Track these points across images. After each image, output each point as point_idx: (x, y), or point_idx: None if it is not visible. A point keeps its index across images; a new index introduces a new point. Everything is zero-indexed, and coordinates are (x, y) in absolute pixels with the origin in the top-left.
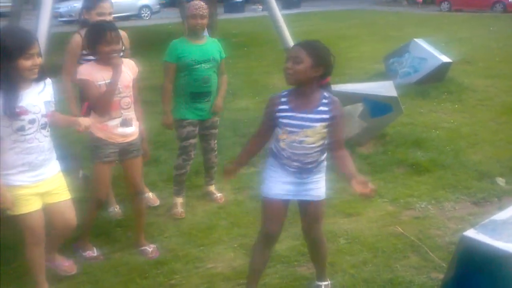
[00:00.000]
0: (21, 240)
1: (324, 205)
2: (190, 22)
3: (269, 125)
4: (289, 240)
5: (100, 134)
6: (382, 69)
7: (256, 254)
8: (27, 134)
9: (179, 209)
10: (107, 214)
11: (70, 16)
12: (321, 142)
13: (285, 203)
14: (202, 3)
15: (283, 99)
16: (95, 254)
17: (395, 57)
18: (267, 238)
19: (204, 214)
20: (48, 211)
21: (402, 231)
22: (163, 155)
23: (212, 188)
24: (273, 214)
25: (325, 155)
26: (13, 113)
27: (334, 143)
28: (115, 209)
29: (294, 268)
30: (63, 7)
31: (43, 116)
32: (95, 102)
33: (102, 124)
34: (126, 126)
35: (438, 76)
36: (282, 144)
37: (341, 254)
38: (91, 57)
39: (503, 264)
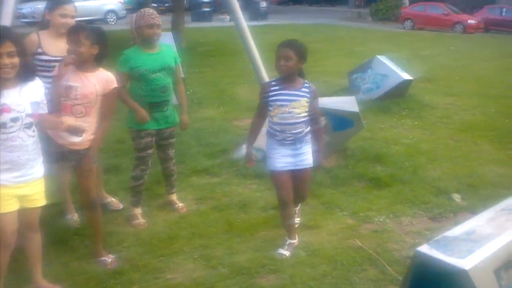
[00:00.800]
0: None
1: (312, 171)
2: (146, 32)
3: (265, 106)
4: (250, 252)
5: (57, 139)
6: (345, 84)
7: (284, 214)
8: (10, 132)
9: (140, 220)
10: (64, 221)
11: (33, 17)
12: (305, 114)
13: (288, 173)
14: (155, 11)
15: (273, 83)
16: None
17: (359, 73)
18: (285, 204)
19: (165, 224)
20: (20, 214)
21: (360, 244)
22: (124, 163)
23: (174, 197)
24: (283, 183)
25: (308, 129)
26: None
27: (313, 118)
28: (73, 217)
29: (254, 280)
30: (26, 8)
31: (27, 115)
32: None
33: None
34: (74, 135)
35: (399, 92)
36: (275, 119)
37: (301, 266)
38: (45, 57)
39: (454, 280)
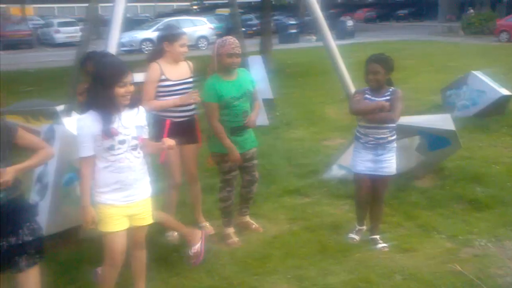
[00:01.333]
0: (85, 259)
1: (391, 179)
2: (226, 61)
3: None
4: (344, 274)
5: None
6: (439, 101)
7: (357, 211)
8: (118, 154)
9: (234, 239)
10: (164, 238)
11: (131, 45)
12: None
13: (367, 176)
14: (234, 39)
15: (366, 91)
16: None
17: (453, 89)
18: (359, 203)
19: (258, 243)
20: (128, 233)
21: (461, 269)
22: (218, 183)
23: (248, 218)
24: (360, 185)
25: (393, 137)
26: (108, 133)
27: (392, 113)
28: (173, 234)
29: None
30: (125, 37)
31: (133, 138)
32: None
33: None
34: None
35: (498, 109)
36: (361, 123)
37: None
38: (168, 83)
39: None
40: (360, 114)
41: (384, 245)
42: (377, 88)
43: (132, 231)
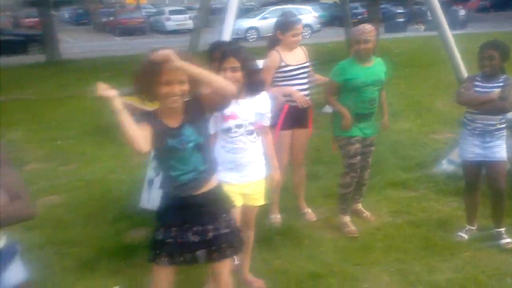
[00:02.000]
0: None
1: (506, 165)
2: (355, 47)
3: (468, 89)
4: (450, 273)
5: None
6: None
7: (465, 200)
8: (234, 137)
9: (351, 227)
10: (268, 221)
11: (237, 34)
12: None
13: (476, 163)
14: (368, 26)
15: (477, 78)
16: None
17: None
18: (468, 190)
19: (360, 234)
20: (240, 212)
21: None
22: (321, 170)
23: (360, 206)
24: (468, 172)
25: (503, 125)
26: (225, 116)
27: (504, 102)
28: (277, 217)
29: None
30: None
31: (250, 123)
32: None
33: None
34: None
35: None
36: (469, 109)
37: None
38: (289, 67)
39: None
40: (466, 105)
41: (509, 240)
42: (490, 75)
43: (244, 210)
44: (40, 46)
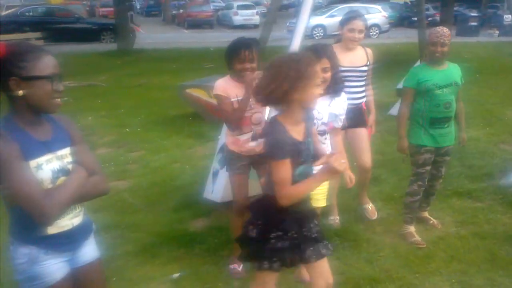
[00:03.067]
0: None
1: None
2: (430, 49)
3: None
4: None
5: (232, 147)
6: None
7: None
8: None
9: (418, 238)
10: (327, 221)
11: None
12: None
13: None
14: (445, 30)
15: None
16: (239, 269)
17: None
18: None
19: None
20: None
21: None
22: (383, 174)
23: (427, 214)
24: None
25: None
26: None
27: None
28: (335, 219)
29: None
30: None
31: (323, 123)
32: (227, 117)
33: (234, 138)
34: (255, 140)
35: None
36: None
37: None
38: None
39: None
40: None
41: None
42: None
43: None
44: (112, 35)
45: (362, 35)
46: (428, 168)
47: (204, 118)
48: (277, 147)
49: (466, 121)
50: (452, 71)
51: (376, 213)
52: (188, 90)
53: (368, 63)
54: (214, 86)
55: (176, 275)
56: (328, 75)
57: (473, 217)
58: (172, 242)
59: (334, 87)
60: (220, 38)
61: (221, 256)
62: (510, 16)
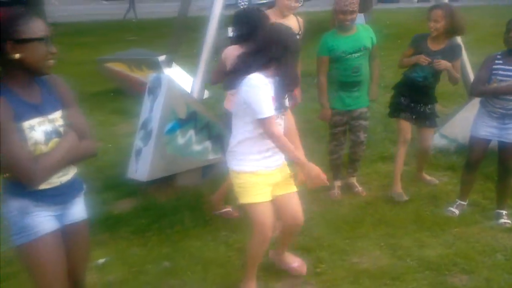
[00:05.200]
0: (183, 205)
1: None
2: (339, 17)
3: (486, 76)
4: (441, 248)
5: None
6: None
7: (464, 176)
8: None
9: (336, 191)
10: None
11: (245, 3)
12: None
13: (487, 142)
14: None
15: (498, 56)
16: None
17: None
18: (469, 167)
19: (350, 207)
20: (276, 203)
21: None
22: (309, 142)
23: (354, 180)
24: (476, 148)
25: None
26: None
27: None
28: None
29: (444, 277)
30: None
31: (283, 106)
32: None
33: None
34: None
35: None
36: None
37: (498, 270)
38: None
39: None
40: (485, 96)
41: (507, 221)
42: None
43: (282, 201)
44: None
45: (298, 4)
46: (341, 128)
47: (127, 93)
48: None
49: (390, 86)
50: (361, 35)
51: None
52: (108, 64)
53: (300, 32)
54: (226, 53)
55: (101, 260)
56: None
57: None
58: (96, 226)
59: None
60: (143, 9)
61: (149, 237)
62: None
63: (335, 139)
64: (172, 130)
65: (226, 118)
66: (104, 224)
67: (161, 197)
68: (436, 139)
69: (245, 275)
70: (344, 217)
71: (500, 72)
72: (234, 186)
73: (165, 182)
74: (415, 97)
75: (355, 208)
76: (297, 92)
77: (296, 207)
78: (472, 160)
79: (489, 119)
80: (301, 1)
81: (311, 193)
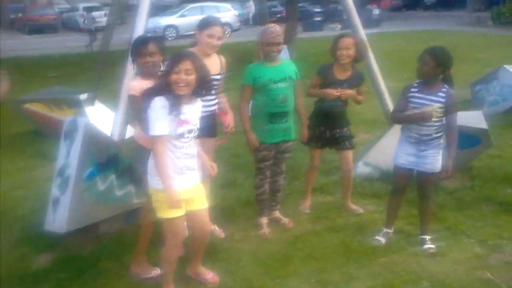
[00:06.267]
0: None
1: (437, 176)
2: (266, 49)
3: (404, 104)
4: (368, 280)
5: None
6: (467, 95)
7: (390, 202)
8: (185, 142)
9: (265, 229)
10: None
11: (154, 32)
12: (435, 120)
13: (408, 170)
14: (277, 28)
15: (415, 85)
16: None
17: (483, 84)
18: (394, 193)
19: (280, 243)
20: (189, 218)
21: (491, 277)
22: (239, 177)
23: (278, 213)
24: (399, 177)
25: (439, 134)
26: (177, 119)
27: (448, 122)
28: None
29: None
30: (148, 24)
31: (198, 129)
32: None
33: None
34: None
35: None
36: None
37: None
38: None
39: None
40: (401, 123)
41: (430, 246)
42: (426, 82)
43: (194, 216)
44: None
45: (220, 42)
46: (268, 163)
47: (48, 135)
48: None
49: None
50: (286, 67)
51: (223, 233)
52: (26, 105)
53: (221, 72)
54: (128, 87)
55: None
56: (192, 78)
57: (326, 212)
58: (13, 285)
59: (201, 90)
60: (66, 43)
61: None
62: None
63: (261, 173)
64: (91, 176)
65: (137, 150)
66: (22, 282)
67: (83, 248)
68: (360, 167)
69: (163, 281)
70: (274, 255)
71: (415, 100)
72: (153, 202)
73: (86, 231)
74: (330, 124)
75: (285, 243)
76: (230, 117)
77: (205, 221)
78: (396, 187)
79: (407, 146)
80: (227, 35)
81: (240, 232)
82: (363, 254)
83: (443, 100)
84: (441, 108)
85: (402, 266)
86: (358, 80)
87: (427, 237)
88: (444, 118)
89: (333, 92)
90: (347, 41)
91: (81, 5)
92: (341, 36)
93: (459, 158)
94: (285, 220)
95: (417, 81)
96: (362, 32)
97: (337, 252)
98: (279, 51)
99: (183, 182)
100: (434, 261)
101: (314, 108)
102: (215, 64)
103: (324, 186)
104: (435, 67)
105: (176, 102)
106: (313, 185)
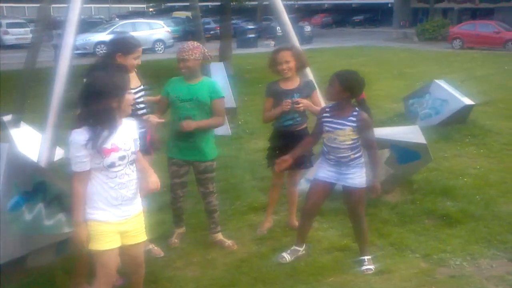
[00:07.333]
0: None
1: (363, 192)
2: (178, 65)
3: (319, 128)
4: None
5: None
6: (401, 109)
7: (301, 222)
8: (118, 170)
9: (173, 239)
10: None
11: (85, 48)
12: (350, 142)
13: (327, 184)
14: (190, 45)
15: (327, 109)
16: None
17: (415, 98)
18: (305, 214)
19: (224, 268)
20: (123, 251)
21: None
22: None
23: (220, 236)
24: (314, 192)
25: (357, 154)
26: (100, 151)
27: (364, 144)
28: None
29: None
30: (79, 40)
31: (132, 153)
32: None
33: None
34: None
35: (460, 118)
36: (325, 141)
37: None
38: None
39: None
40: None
41: (369, 267)
42: (337, 105)
43: (129, 251)
44: None
45: (139, 61)
46: (178, 180)
47: None
48: None
49: (254, 132)
50: (199, 87)
51: (162, 252)
52: None
53: (141, 85)
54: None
55: None
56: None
57: (271, 232)
58: None
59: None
60: None
61: None
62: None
63: (173, 191)
64: (16, 206)
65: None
66: None
67: (9, 285)
68: (302, 184)
69: None
70: (219, 281)
71: (327, 124)
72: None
73: (12, 266)
74: (291, 144)
75: (230, 268)
76: (155, 137)
77: (137, 256)
78: (307, 206)
79: (327, 165)
80: (160, 51)
81: (181, 258)
82: (310, 274)
83: (354, 124)
84: (353, 131)
85: (351, 286)
86: (308, 88)
87: (366, 258)
88: (359, 139)
89: (287, 101)
90: (285, 54)
91: (4, 21)
92: (278, 50)
93: (399, 173)
94: (229, 242)
95: (331, 104)
96: (299, 45)
97: (284, 274)
98: (188, 68)
99: (117, 214)
100: (382, 279)
101: (273, 130)
102: (135, 78)
103: (267, 204)
104: (342, 91)
105: (95, 134)
106: (275, 203)
